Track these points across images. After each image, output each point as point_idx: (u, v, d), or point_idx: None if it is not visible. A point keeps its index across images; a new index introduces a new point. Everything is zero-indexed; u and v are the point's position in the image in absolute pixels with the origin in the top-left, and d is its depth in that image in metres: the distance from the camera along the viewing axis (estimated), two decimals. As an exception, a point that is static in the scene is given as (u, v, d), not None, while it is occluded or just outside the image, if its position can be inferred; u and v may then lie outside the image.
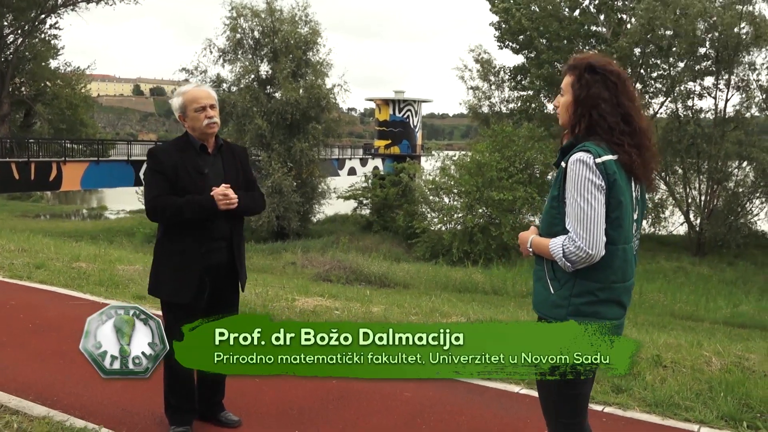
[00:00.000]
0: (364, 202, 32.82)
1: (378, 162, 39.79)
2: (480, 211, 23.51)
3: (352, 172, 38.65)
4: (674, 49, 25.03)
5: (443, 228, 24.62)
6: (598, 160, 2.05)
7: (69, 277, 6.50)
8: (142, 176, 28.04)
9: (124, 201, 37.97)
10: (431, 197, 25.91)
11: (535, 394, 3.69)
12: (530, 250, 2.20)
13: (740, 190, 25.96)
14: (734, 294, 18.88)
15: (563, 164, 2.13)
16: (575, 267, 2.06)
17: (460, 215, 23.94)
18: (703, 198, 26.15)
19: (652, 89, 27.37)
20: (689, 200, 26.59)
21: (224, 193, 3.01)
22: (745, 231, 25.69)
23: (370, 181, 33.61)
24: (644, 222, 25.60)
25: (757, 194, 26.01)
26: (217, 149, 3.19)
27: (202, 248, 3.04)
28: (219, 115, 3.18)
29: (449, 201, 25.27)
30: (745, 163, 25.85)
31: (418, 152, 39.80)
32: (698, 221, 26.15)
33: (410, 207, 27.66)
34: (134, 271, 6.96)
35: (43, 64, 35.76)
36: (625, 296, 2.17)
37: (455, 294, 14.76)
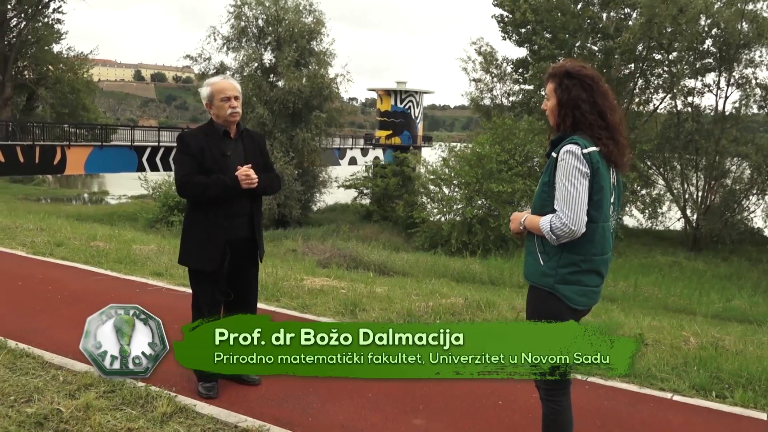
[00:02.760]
0: (365, 191, 33.10)
1: (379, 152, 40.03)
2: (479, 202, 23.74)
3: (353, 161, 38.93)
4: (676, 45, 25.21)
5: (442, 219, 24.90)
6: (585, 151, 2.40)
7: (89, 255, 6.84)
8: (145, 162, 28.27)
9: (126, 186, 38.13)
10: (431, 187, 26.18)
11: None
12: (522, 224, 2.54)
13: (737, 186, 26.15)
14: (727, 289, 19.13)
15: (554, 154, 2.47)
16: (559, 241, 2.40)
17: (459, 206, 24.17)
18: (700, 194, 26.36)
19: (653, 85, 27.59)
20: (686, 196, 26.85)
21: (246, 173, 3.35)
22: (741, 227, 25.94)
23: (370, 170, 33.88)
24: (642, 217, 25.39)
25: (754, 191, 26.27)
26: (238, 134, 3.54)
27: (226, 223, 3.39)
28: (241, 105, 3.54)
29: (449, 192, 25.55)
30: (742, 160, 26.13)
31: (419, 143, 40.02)
32: (695, 217, 26.42)
33: (410, 197, 27.93)
34: (149, 251, 7.30)
35: (45, 48, 35.90)
36: (603, 267, 2.51)
37: (453, 282, 15.08)
